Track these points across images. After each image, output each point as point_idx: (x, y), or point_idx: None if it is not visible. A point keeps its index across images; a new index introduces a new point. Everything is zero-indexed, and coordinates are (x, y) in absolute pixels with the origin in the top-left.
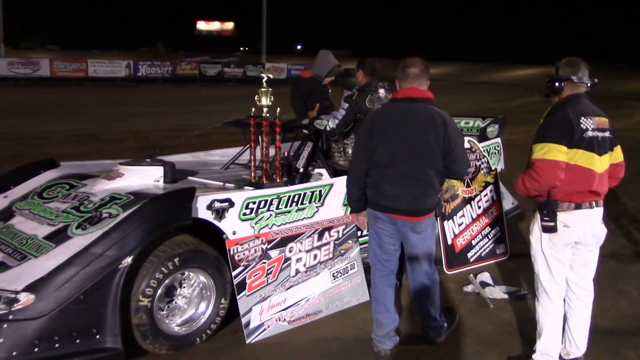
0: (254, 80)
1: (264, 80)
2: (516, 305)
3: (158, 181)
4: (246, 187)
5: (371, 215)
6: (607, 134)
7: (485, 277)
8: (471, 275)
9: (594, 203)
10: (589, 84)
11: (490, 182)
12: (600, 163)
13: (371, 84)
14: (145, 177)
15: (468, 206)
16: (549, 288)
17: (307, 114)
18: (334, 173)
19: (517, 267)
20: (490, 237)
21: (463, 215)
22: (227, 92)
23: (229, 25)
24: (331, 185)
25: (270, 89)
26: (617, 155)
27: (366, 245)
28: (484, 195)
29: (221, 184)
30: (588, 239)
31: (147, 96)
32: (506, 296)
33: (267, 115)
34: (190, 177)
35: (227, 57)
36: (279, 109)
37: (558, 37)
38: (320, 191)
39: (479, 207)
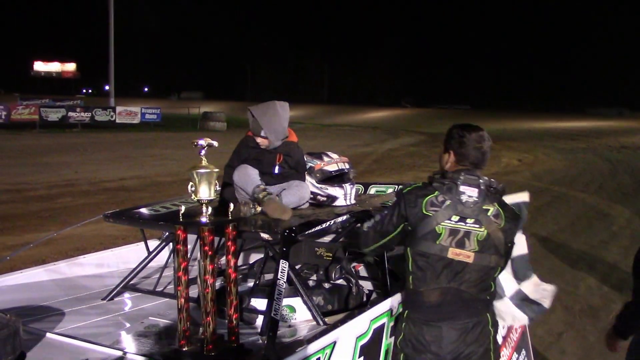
0: (103, 126)
1: (201, 153)
2: None
3: None
4: None
5: None
6: None
7: None
8: None
9: None
10: None
11: None
12: None
13: (453, 177)
14: None
15: None
16: None
17: None
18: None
19: None
20: None
21: None
22: (72, 139)
23: (71, 66)
24: (333, 345)
25: (215, 170)
26: None
27: None
28: None
29: None
30: None
31: None
32: None
33: (210, 218)
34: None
35: (71, 99)
36: (232, 205)
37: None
38: None
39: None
